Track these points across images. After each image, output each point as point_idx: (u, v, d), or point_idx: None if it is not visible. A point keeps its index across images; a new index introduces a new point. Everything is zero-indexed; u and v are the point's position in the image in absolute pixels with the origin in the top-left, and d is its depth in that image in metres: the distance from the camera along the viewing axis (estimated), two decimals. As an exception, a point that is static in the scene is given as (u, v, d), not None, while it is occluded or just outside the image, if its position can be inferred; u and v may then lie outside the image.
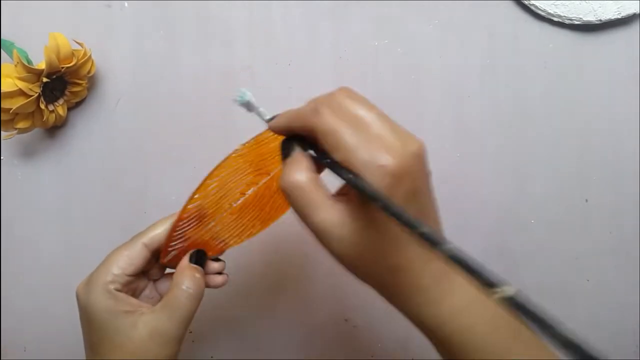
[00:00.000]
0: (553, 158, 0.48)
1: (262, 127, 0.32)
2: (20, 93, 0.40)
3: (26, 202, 0.47)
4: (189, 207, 0.33)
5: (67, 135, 0.47)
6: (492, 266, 0.50)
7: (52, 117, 0.44)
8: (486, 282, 0.21)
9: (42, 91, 0.41)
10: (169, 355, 0.31)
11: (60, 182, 0.47)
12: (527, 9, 0.47)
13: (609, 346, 0.48)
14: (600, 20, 0.46)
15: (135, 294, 0.34)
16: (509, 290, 0.20)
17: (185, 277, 0.32)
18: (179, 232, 0.33)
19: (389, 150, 0.24)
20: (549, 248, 0.48)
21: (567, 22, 0.47)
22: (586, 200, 0.48)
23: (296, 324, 0.47)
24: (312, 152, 0.27)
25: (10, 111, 0.40)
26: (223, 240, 0.34)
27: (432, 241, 0.22)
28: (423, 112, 0.48)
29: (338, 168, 0.25)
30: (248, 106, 0.31)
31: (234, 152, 0.33)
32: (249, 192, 0.34)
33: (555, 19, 0.47)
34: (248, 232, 0.34)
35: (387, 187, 0.24)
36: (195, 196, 0.33)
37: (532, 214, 0.48)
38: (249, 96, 0.31)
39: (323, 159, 0.26)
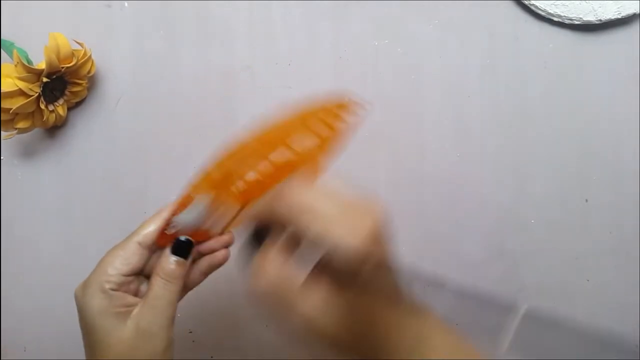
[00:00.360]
0: (553, 158, 0.48)
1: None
2: (20, 93, 0.40)
3: (26, 202, 0.47)
4: (190, 194, 0.33)
5: (67, 135, 0.47)
6: (492, 266, 0.50)
7: (52, 117, 0.44)
8: None
9: (42, 91, 0.41)
10: (157, 350, 0.30)
11: (60, 182, 0.47)
12: (527, 9, 0.47)
13: (608, 345, 0.48)
14: (600, 20, 0.46)
15: (138, 294, 0.33)
16: None
17: (161, 267, 0.31)
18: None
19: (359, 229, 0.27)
20: (549, 248, 0.48)
21: (567, 22, 0.47)
22: (586, 200, 0.48)
23: (296, 324, 0.47)
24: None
25: (10, 111, 0.40)
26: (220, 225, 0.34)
27: None
28: (423, 112, 0.48)
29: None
30: None
31: (237, 143, 0.33)
32: (250, 177, 0.33)
33: (555, 19, 0.47)
34: (244, 217, 0.34)
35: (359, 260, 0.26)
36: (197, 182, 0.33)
37: (532, 214, 0.48)
38: None
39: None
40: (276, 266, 0.28)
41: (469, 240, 0.48)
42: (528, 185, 0.48)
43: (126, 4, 0.47)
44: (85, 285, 0.31)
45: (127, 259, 0.31)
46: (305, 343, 0.29)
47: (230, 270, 0.37)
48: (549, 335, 0.49)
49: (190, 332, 0.47)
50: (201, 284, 0.35)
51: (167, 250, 0.32)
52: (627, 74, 0.48)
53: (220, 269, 0.36)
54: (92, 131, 0.47)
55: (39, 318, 0.47)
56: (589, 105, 0.48)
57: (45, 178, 0.47)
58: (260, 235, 0.30)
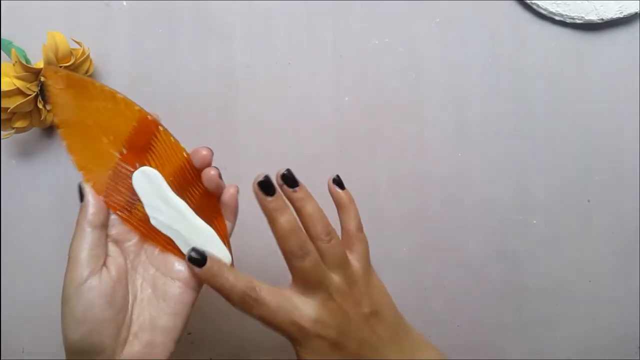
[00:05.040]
0: (555, 158, 0.48)
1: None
2: (18, 92, 0.40)
3: (24, 202, 0.47)
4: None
5: (66, 134, 0.47)
6: (494, 266, 0.50)
7: (50, 116, 0.43)
8: None
9: (39, 90, 0.41)
10: (70, 274, 0.30)
11: (59, 181, 0.47)
12: (529, 8, 0.47)
13: (609, 346, 0.48)
14: (602, 19, 0.46)
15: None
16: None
17: None
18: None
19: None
20: (551, 249, 0.48)
21: (568, 21, 0.46)
22: (588, 201, 0.48)
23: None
24: None
25: (8, 110, 0.40)
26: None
27: None
28: (424, 112, 0.47)
29: None
30: None
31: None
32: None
33: (557, 18, 0.47)
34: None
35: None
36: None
37: (533, 215, 0.47)
38: None
39: None
40: None
41: (471, 241, 0.47)
42: (530, 186, 0.48)
43: (125, 2, 0.47)
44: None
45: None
46: None
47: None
48: (549, 335, 0.49)
49: (189, 333, 0.47)
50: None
51: None
52: (629, 73, 0.48)
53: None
54: (90, 131, 0.47)
55: (37, 319, 0.47)
56: (590, 105, 0.48)
57: (43, 177, 0.47)
58: None
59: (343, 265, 0.32)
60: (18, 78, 0.39)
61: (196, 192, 0.32)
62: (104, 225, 0.32)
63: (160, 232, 0.32)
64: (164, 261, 0.32)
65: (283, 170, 0.32)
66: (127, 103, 0.32)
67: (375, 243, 0.47)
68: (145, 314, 0.31)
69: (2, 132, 0.42)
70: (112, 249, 0.32)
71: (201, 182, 0.32)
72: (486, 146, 0.47)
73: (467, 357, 0.47)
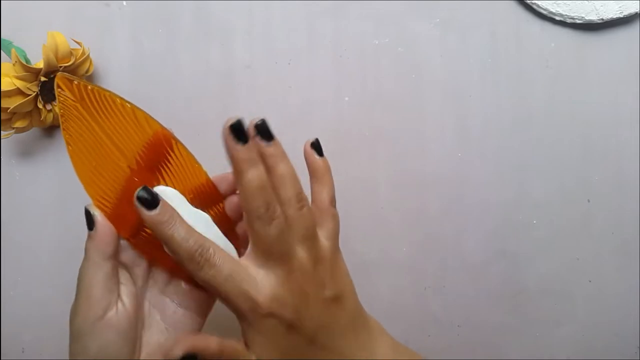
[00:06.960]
0: (555, 158, 0.48)
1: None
2: (18, 92, 0.40)
3: (24, 202, 0.47)
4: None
5: (66, 134, 0.47)
6: (493, 267, 0.50)
7: (50, 116, 0.43)
8: None
9: (40, 90, 0.41)
10: (79, 303, 0.28)
11: (59, 181, 0.47)
12: (529, 8, 0.47)
13: (609, 346, 0.48)
14: (602, 19, 0.46)
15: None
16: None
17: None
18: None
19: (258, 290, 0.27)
20: (551, 249, 0.48)
21: (568, 21, 0.46)
22: (588, 201, 0.48)
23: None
24: None
25: (8, 110, 0.40)
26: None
27: None
28: (424, 112, 0.47)
29: None
30: None
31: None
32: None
33: (557, 18, 0.47)
34: None
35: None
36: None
37: (533, 214, 0.47)
38: None
39: None
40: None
41: (470, 241, 0.47)
42: (529, 186, 0.48)
43: (125, 3, 0.47)
44: None
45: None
46: None
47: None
48: (549, 335, 0.49)
49: (190, 333, 0.47)
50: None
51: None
52: (629, 73, 0.48)
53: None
54: (90, 131, 0.47)
55: (37, 319, 0.47)
56: (590, 105, 0.48)
57: (43, 177, 0.47)
58: None
59: (311, 239, 0.28)
60: (18, 78, 0.39)
61: (210, 214, 0.30)
62: (116, 254, 0.29)
63: (169, 255, 0.29)
64: (173, 287, 0.31)
65: (257, 120, 0.28)
66: (149, 120, 0.29)
67: (375, 243, 0.48)
68: (153, 340, 0.30)
69: (2, 132, 0.42)
70: (123, 275, 0.30)
71: (215, 206, 0.30)
72: (486, 146, 0.47)
73: (467, 357, 0.47)
